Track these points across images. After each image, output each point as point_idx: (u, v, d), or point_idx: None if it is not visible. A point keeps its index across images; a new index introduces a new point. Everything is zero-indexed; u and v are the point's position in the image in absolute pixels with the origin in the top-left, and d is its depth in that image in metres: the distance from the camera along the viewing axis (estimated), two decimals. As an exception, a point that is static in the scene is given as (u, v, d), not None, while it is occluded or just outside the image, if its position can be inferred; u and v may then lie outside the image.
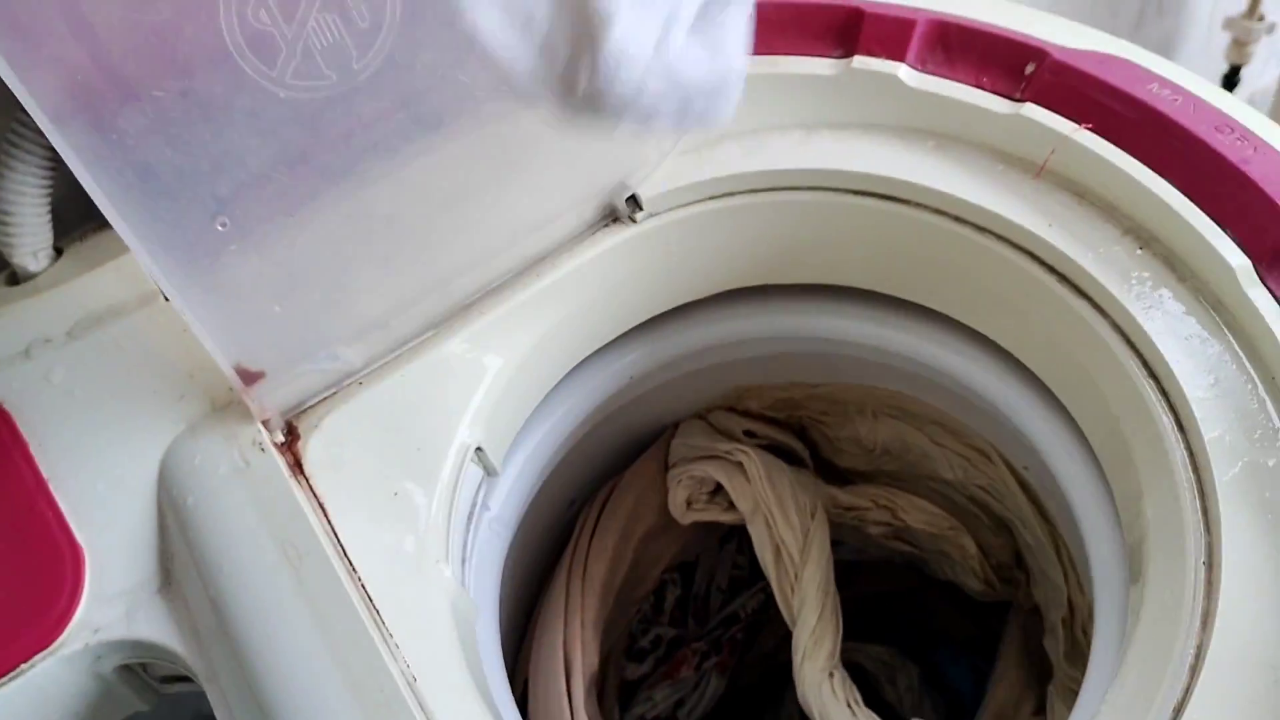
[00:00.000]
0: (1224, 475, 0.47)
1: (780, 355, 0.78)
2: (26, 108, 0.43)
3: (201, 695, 0.53)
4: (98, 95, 0.45)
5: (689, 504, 0.78)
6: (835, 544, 0.84)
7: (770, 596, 0.92)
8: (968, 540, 0.81)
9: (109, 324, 0.60)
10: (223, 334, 0.53)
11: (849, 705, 0.68)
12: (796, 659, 0.72)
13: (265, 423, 0.56)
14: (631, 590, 0.82)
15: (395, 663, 0.49)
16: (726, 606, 0.92)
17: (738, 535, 0.93)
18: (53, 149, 0.60)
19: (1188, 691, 0.43)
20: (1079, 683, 0.73)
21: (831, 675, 0.70)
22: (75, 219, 0.65)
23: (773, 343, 0.75)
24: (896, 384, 0.79)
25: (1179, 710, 0.43)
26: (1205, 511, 0.47)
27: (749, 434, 0.81)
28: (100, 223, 0.65)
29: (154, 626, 0.53)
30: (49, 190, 0.60)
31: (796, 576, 0.74)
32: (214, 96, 0.47)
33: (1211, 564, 0.46)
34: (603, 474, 0.84)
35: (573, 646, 0.71)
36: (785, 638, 0.97)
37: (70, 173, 0.45)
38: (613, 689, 0.86)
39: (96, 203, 0.46)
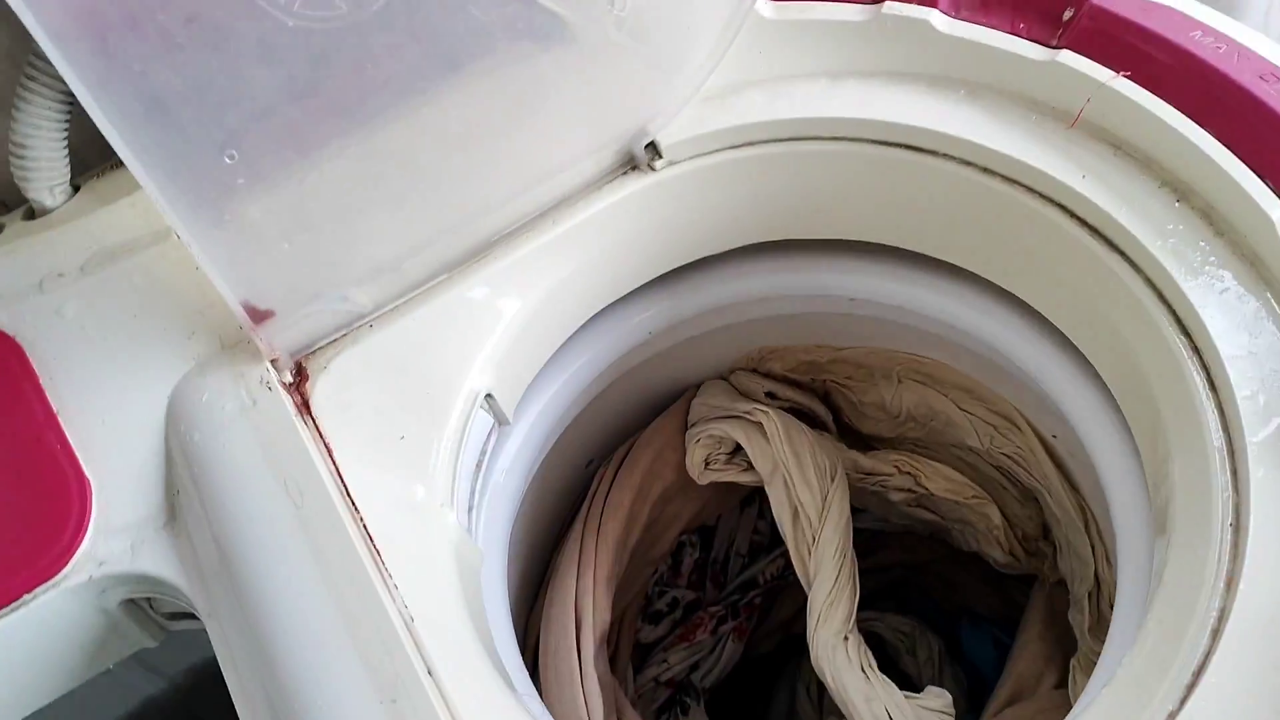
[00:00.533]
0: (1256, 436, 0.45)
1: (803, 315, 0.76)
2: (30, 30, 0.42)
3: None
4: (101, 18, 0.44)
5: (707, 464, 0.77)
6: (857, 512, 0.83)
7: (789, 563, 0.91)
8: (992, 509, 0.79)
9: (122, 260, 0.59)
10: (231, 270, 0.52)
11: (863, 670, 0.67)
12: (811, 623, 0.70)
13: (274, 362, 0.56)
14: (647, 550, 0.81)
15: (394, 603, 0.48)
16: (745, 571, 0.91)
17: (758, 499, 0.91)
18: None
19: (1208, 655, 0.41)
20: (1102, 657, 0.71)
21: (846, 640, 0.69)
22: (96, 158, 0.65)
23: (795, 301, 0.73)
24: (923, 348, 0.77)
25: (1198, 673, 0.41)
26: (1234, 473, 0.46)
27: (771, 396, 0.80)
28: (118, 160, 0.64)
29: (158, 561, 0.53)
30: (66, 125, 0.60)
31: (814, 539, 0.72)
32: (221, 23, 0.46)
33: (1239, 526, 0.44)
34: (622, 435, 0.83)
35: (584, 602, 0.70)
36: (803, 606, 0.95)
37: (89, 110, 0.45)
38: (626, 650, 0.85)
39: (101, 129, 0.46)
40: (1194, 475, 0.47)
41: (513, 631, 0.60)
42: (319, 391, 0.56)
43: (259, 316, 0.55)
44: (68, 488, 0.54)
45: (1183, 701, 0.41)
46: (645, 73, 0.59)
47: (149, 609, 0.57)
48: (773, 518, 0.91)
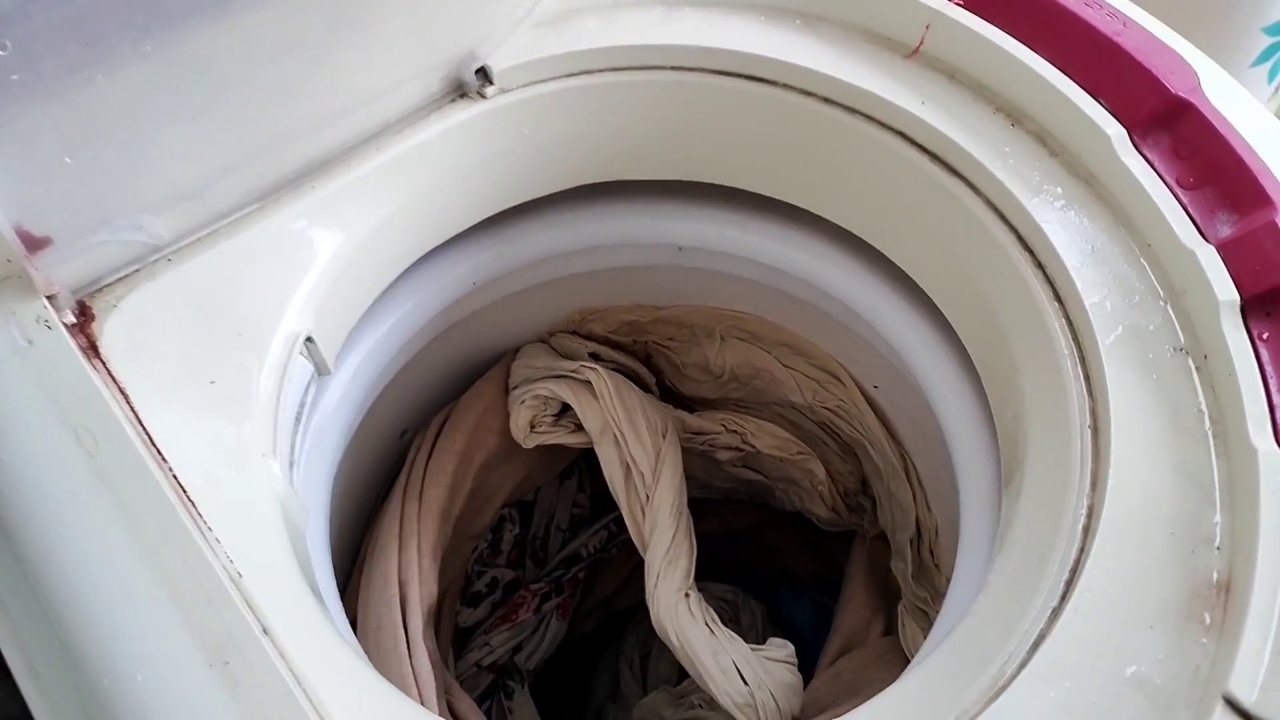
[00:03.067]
0: (1106, 339, 0.46)
1: (628, 269, 0.74)
2: None
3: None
4: None
5: (532, 426, 0.73)
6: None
7: (612, 535, 0.88)
8: (816, 465, 0.80)
9: None
10: (2, 185, 0.44)
11: (707, 624, 0.65)
12: (650, 582, 0.68)
13: (51, 299, 0.48)
14: (470, 522, 0.77)
15: (216, 558, 0.42)
16: (567, 546, 0.87)
17: (578, 471, 0.88)
18: None
19: (1083, 552, 0.42)
20: (927, 601, 0.72)
21: (687, 596, 0.67)
22: None
23: (623, 251, 0.71)
24: (747, 303, 0.77)
25: (1076, 569, 0.41)
26: (1088, 378, 0.46)
27: (594, 357, 0.77)
28: None
29: (-91, 532, 0.44)
30: None
31: (648, 498, 0.70)
32: (-9, -119, 0.40)
33: (1097, 428, 0.45)
34: (436, 404, 0.78)
35: (409, 574, 0.64)
36: (625, 581, 0.93)
37: None
38: (446, 635, 0.79)
39: None
40: (1046, 385, 0.48)
41: (340, 603, 0.55)
42: (109, 332, 0.48)
43: (35, 244, 0.47)
44: None
45: (1064, 598, 0.41)
46: (476, -10, 0.55)
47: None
48: (592, 491, 0.89)
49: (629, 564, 0.91)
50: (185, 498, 0.44)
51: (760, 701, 0.62)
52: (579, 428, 0.73)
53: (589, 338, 0.79)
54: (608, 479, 0.72)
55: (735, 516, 0.92)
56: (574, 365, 0.73)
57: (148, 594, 0.40)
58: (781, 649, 0.66)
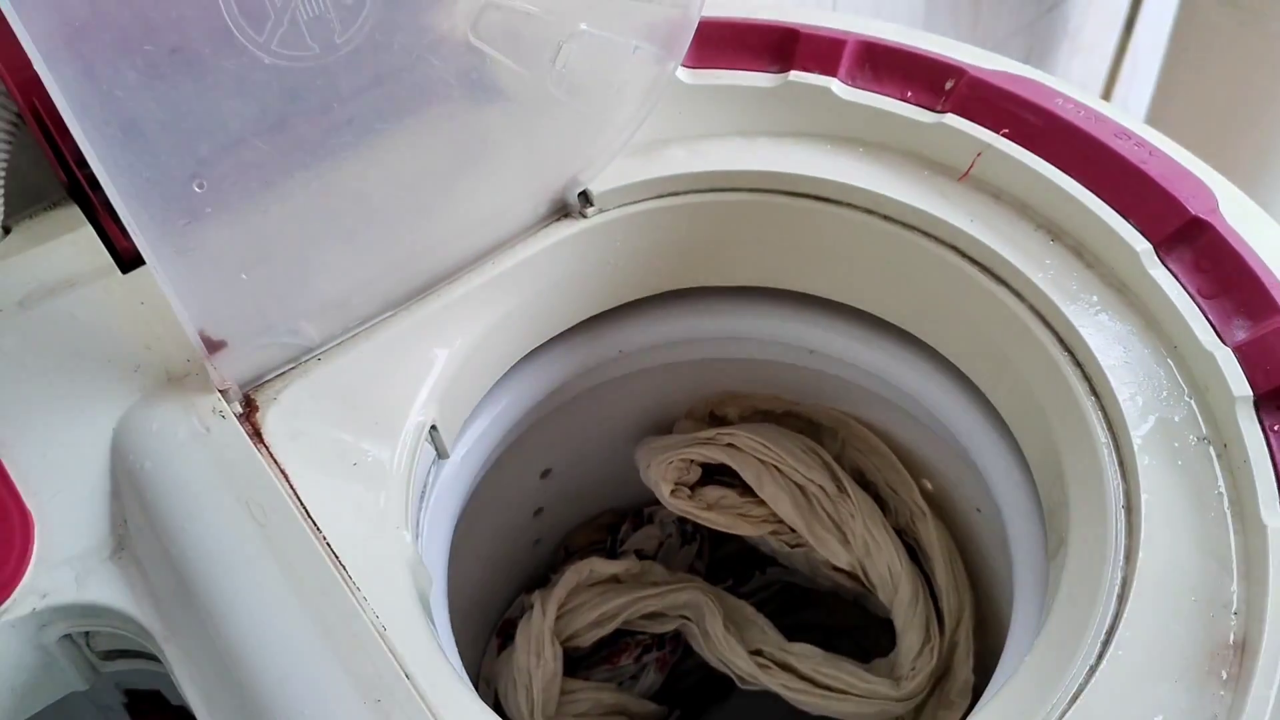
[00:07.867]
0: (1138, 430, 0.52)
1: (705, 361, 0.81)
2: (24, 46, 0.44)
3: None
4: (92, 43, 0.46)
5: (672, 492, 0.81)
6: (789, 571, 0.89)
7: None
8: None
9: (62, 295, 0.60)
10: (191, 298, 0.53)
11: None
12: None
13: (223, 393, 0.57)
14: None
15: (364, 613, 0.49)
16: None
17: (700, 538, 0.94)
18: (9, 122, 0.60)
19: (1118, 616, 0.47)
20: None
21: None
22: (21, 202, 0.65)
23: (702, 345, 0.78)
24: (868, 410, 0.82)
25: (1111, 632, 0.47)
26: (1122, 463, 0.52)
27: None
28: (53, 201, 0.65)
29: (106, 590, 0.52)
30: (3, 164, 0.60)
31: (846, 514, 0.76)
32: (203, 57, 0.49)
33: (1130, 507, 0.51)
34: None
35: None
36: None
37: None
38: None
39: (84, 151, 0.47)
40: (1086, 469, 0.54)
41: (455, 649, 0.61)
42: (270, 421, 0.57)
43: (213, 346, 0.56)
44: (9, 521, 0.53)
45: (1100, 656, 0.46)
46: (579, 126, 0.63)
47: (86, 647, 0.56)
48: (711, 559, 0.95)
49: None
50: (337, 561, 0.51)
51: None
52: (710, 507, 0.81)
53: (723, 419, 0.86)
54: (776, 510, 0.79)
55: (838, 612, 0.96)
56: (712, 433, 0.81)
57: (313, 642, 0.48)
58: None
